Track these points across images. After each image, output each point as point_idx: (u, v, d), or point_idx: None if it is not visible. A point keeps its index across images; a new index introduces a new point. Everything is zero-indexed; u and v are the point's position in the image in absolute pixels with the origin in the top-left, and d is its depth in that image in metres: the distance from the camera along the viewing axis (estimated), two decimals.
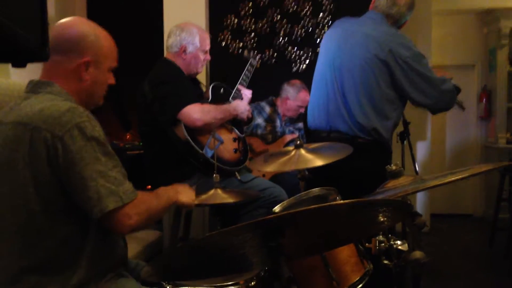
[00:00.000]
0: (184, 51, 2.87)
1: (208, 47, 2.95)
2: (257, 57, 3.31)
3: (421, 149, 5.44)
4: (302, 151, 2.13)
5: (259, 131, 3.86)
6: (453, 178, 1.13)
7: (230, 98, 2.97)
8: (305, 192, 1.96)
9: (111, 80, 1.68)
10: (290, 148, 2.18)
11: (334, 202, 0.94)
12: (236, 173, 2.84)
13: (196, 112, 2.67)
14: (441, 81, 2.58)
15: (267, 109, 3.94)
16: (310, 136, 2.81)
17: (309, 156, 2.11)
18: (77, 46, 1.56)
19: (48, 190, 1.43)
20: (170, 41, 2.91)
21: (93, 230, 1.51)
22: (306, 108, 3.99)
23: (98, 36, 1.60)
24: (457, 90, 2.67)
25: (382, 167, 2.63)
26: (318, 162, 2.10)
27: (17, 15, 1.17)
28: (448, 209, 6.49)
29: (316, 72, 2.82)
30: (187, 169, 2.73)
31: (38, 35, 1.23)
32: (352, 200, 0.91)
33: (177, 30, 2.90)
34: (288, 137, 3.88)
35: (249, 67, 3.18)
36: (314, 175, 2.41)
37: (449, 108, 2.67)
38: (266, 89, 3.94)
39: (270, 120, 3.92)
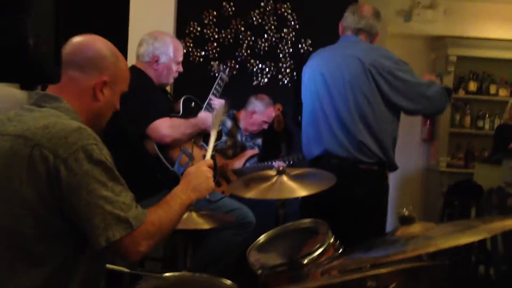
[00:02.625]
0: (157, 61, 2.74)
1: (181, 58, 2.84)
2: (227, 71, 3.22)
3: None
4: (285, 178, 2.08)
5: (219, 146, 3.75)
6: (485, 235, 1.11)
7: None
8: (292, 222, 1.91)
9: (118, 104, 1.58)
10: (272, 173, 2.12)
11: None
12: None
13: (165, 128, 2.58)
14: (427, 85, 2.54)
15: (228, 123, 3.85)
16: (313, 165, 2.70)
17: (291, 184, 2.06)
18: (97, 65, 1.48)
19: (43, 213, 1.30)
20: (142, 49, 2.76)
21: (85, 259, 1.39)
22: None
23: (117, 57, 1.53)
24: (448, 91, 2.63)
25: (381, 195, 2.63)
26: (301, 192, 2.05)
27: (33, 33, 1.04)
28: None
29: (304, 107, 2.78)
30: (154, 184, 2.60)
31: (52, 55, 1.10)
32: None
33: (149, 38, 2.76)
34: (249, 152, 3.80)
35: (219, 81, 3.09)
36: (307, 200, 2.37)
37: (442, 110, 2.63)
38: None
39: (230, 134, 3.83)
